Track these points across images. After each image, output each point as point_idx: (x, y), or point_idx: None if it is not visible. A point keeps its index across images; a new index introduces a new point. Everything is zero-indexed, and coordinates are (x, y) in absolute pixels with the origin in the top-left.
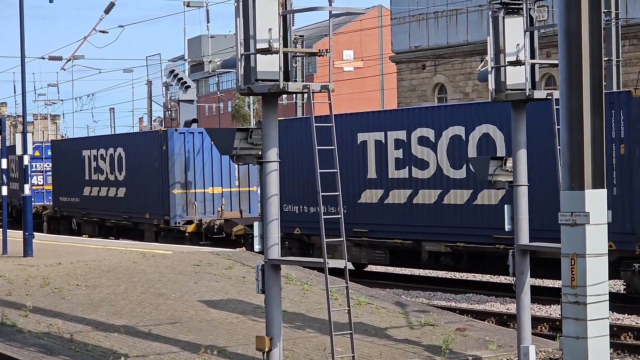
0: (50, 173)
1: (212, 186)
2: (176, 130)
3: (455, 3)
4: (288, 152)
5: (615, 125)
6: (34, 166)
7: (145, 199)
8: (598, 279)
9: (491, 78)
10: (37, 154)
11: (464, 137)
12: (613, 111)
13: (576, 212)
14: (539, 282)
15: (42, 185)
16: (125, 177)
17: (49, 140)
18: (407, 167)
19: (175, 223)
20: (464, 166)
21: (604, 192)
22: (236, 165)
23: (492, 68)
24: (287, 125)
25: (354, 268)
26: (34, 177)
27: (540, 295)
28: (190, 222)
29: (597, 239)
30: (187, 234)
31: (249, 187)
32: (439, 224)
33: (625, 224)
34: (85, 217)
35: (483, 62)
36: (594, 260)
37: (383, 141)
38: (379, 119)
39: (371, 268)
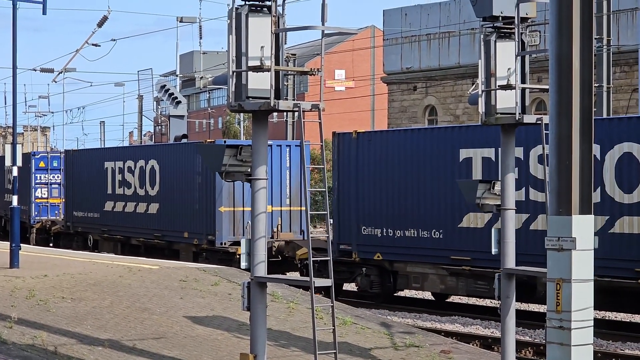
0: (55, 186)
1: None
2: (225, 142)
3: (448, 26)
4: (369, 167)
5: None
6: (37, 178)
7: (184, 217)
8: (583, 305)
9: (481, 101)
10: (42, 164)
11: (598, 156)
12: None
13: (563, 237)
14: (524, 306)
15: (47, 198)
16: (159, 192)
17: (61, 150)
18: (523, 189)
19: (221, 244)
20: (598, 189)
21: (591, 217)
22: (288, 182)
23: (482, 91)
24: (369, 139)
25: (433, 298)
26: (38, 190)
27: (525, 320)
28: (238, 243)
29: (583, 265)
30: (237, 256)
31: (301, 207)
32: None
33: None
34: (105, 234)
35: (474, 85)
36: (580, 285)
37: (493, 158)
38: (488, 134)
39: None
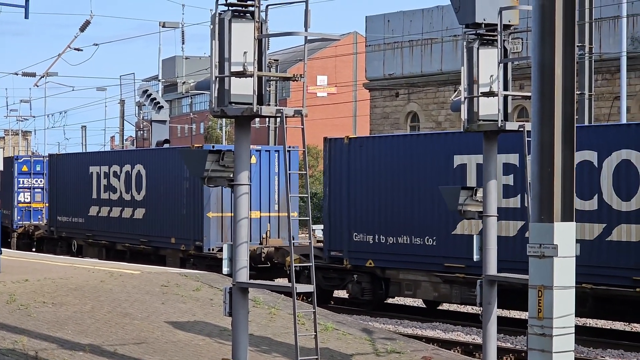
0: (38, 190)
1: (250, 210)
2: (213, 147)
3: (431, 32)
4: (360, 173)
5: None
6: (20, 182)
7: (171, 222)
8: (564, 312)
9: (464, 108)
10: (24, 169)
11: (595, 164)
12: None
13: (544, 244)
14: (505, 312)
15: (30, 203)
16: (145, 197)
17: (43, 154)
18: (519, 195)
19: (209, 249)
20: (595, 196)
21: (573, 225)
22: (276, 188)
23: (465, 98)
24: (361, 144)
25: (425, 306)
26: (21, 194)
27: (506, 326)
28: None
29: (564, 272)
30: None
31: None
32: None
33: None
34: (90, 239)
35: (456, 92)
36: (561, 292)
37: None
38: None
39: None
